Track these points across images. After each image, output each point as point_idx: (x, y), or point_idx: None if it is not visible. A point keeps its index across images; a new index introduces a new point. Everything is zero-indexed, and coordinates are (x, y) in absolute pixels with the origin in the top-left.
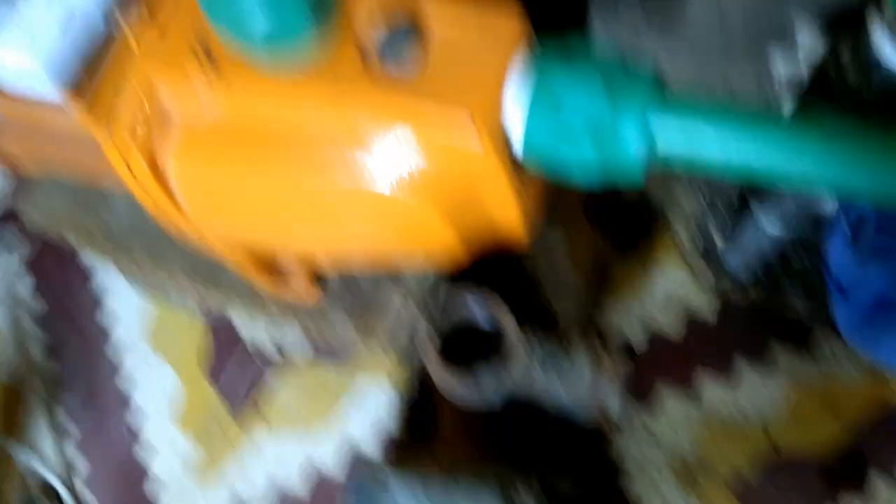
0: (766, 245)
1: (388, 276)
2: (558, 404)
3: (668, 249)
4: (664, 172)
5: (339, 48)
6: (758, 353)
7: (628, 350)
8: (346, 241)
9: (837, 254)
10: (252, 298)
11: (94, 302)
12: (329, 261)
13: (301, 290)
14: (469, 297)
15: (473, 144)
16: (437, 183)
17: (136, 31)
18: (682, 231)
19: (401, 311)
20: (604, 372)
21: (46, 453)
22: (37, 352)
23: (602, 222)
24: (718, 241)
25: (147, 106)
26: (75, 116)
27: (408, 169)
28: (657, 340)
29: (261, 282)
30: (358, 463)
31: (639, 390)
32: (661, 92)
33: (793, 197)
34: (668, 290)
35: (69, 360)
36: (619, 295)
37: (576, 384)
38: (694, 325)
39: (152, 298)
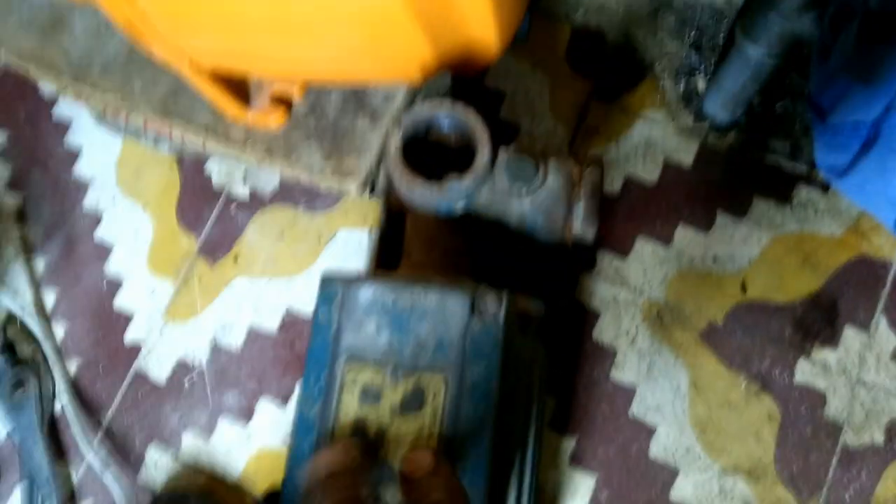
0: (749, 83)
1: (356, 101)
2: (526, 224)
3: (650, 96)
4: (650, 17)
5: None
6: (735, 202)
7: (602, 193)
8: (309, 44)
9: (817, 75)
10: (220, 132)
11: (59, 134)
12: (290, 71)
13: (265, 113)
14: (440, 110)
15: None
16: None
17: None
18: (664, 77)
19: (367, 134)
20: (576, 192)
21: (20, 292)
22: (0, 187)
23: (585, 69)
24: (701, 83)
25: None
26: None
27: None
28: (633, 186)
29: (225, 104)
30: (326, 276)
31: (612, 235)
32: None
33: (778, 18)
34: (648, 137)
35: (34, 196)
36: (598, 141)
37: (546, 202)
38: (672, 171)
39: (121, 137)
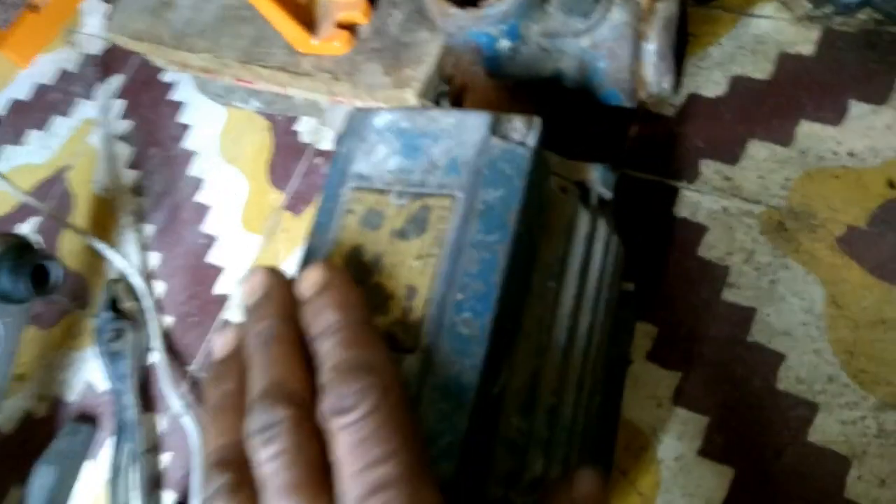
0: None
1: (418, 17)
2: (587, 72)
3: None
4: None
5: None
6: (873, 87)
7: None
8: None
9: None
10: (293, 66)
11: (174, 114)
12: None
13: (331, 38)
14: None
15: None
16: None
17: None
18: None
19: (426, 44)
20: (646, 27)
21: (129, 254)
22: (123, 165)
23: None
24: None
25: None
26: None
27: None
28: (741, 85)
29: (292, 32)
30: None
31: (718, 141)
32: None
33: None
34: (758, 32)
35: (150, 170)
36: (696, 47)
37: (609, 41)
38: (789, 64)
39: (222, 104)
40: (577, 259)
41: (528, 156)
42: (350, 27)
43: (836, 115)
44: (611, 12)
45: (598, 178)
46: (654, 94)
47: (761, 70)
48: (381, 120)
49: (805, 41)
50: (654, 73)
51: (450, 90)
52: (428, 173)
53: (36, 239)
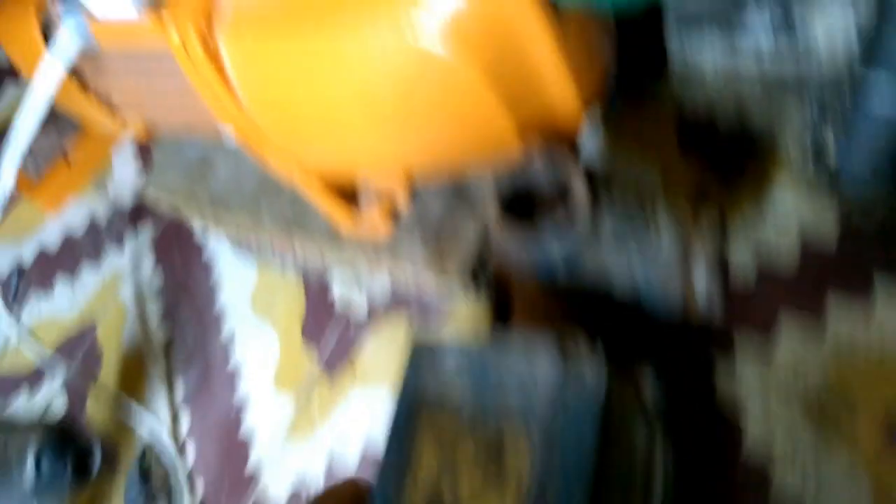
0: (889, 139)
1: (457, 197)
2: (639, 289)
3: (777, 168)
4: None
5: None
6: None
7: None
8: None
9: None
10: (334, 241)
11: (206, 271)
12: (388, 164)
13: (374, 221)
14: (534, 157)
15: None
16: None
17: None
18: (792, 145)
19: (466, 224)
20: (694, 248)
21: (159, 413)
22: (154, 322)
23: (697, 146)
24: (831, 146)
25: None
26: (147, 28)
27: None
28: (771, 264)
29: (336, 213)
30: (415, 342)
31: (750, 311)
32: None
33: None
34: (782, 211)
35: (181, 327)
36: (724, 223)
37: (659, 260)
38: (816, 245)
39: (254, 261)
40: (639, 473)
41: (597, 387)
42: (392, 209)
43: (863, 297)
44: (660, 236)
45: (649, 384)
46: (702, 306)
47: (784, 241)
48: (449, 359)
49: (825, 215)
50: (705, 288)
51: (490, 278)
52: (500, 411)
53: (62, 400)
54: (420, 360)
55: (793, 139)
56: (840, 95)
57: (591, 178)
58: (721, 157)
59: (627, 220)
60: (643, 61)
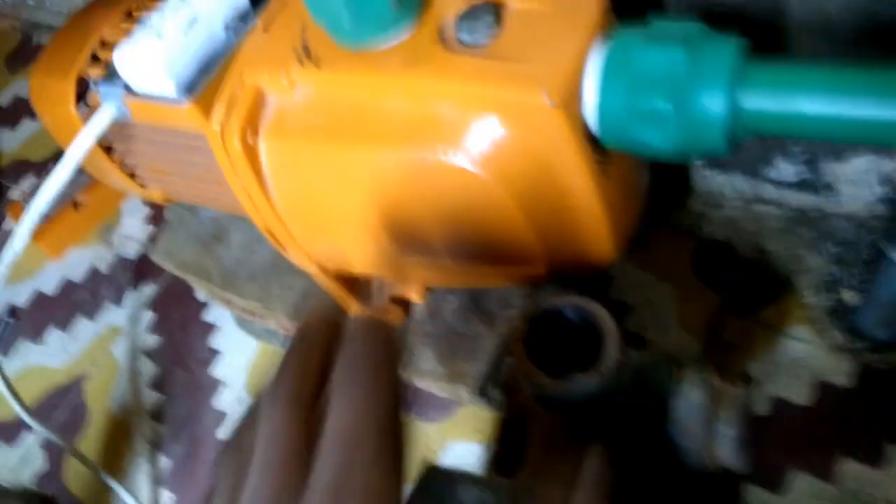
0: None
1: (473, 306)
2: (662, 437)
3: (791, 311)
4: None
5: (420, 26)
6: None
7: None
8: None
9: None
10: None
11: (204, 338)
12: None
13: (384, 311)
14: (566, 301)
15: (543, 99)
16: (509, 156)
17: (247, 38)
18: (806, 291)
19: (482, 338)
20: (720, 412)
21: (140, 491)
22: (145, 383)
23: (714, 282)
24: (849, 298)
25: (247, 99)
26: (186, 111)
27: (477, 138)
28: (780, 408)
29: (347, 303)
30: (430, 468)
31: (759, 465)
32: (746, 51)
33: None
34: (794, 355)
35: (172, 395)
36: (736, 358)
37: (682, 418)
38: (826, 394)
39: (258, 340)
40: None
41: None
42: (404, 303)
43: (875, 457)
44: (688, 390)
45: None
46: (725, 468)
47: (798, 395)
48: (465, 493)
49: (840, 373)
50: (729, 454)
51: (503, 397)
52: None
53: (40, 459)
54: (431, 487)
55: (810, 288)
56: (860, 250)
57: (620, 321)
58: (737, 292)
59: (655, 374)
60: (665, 190)
